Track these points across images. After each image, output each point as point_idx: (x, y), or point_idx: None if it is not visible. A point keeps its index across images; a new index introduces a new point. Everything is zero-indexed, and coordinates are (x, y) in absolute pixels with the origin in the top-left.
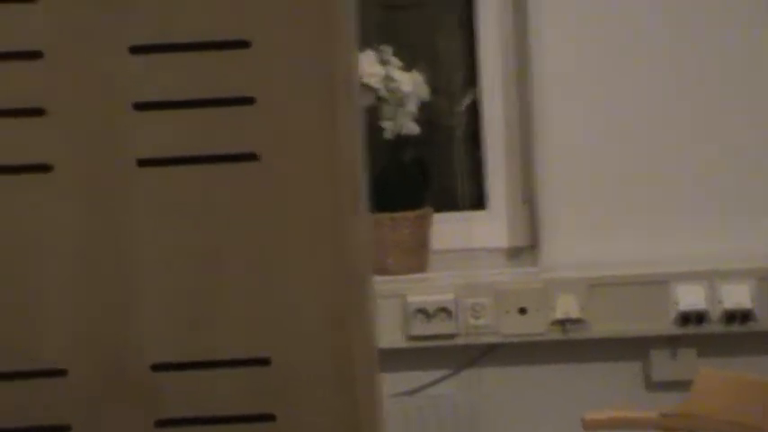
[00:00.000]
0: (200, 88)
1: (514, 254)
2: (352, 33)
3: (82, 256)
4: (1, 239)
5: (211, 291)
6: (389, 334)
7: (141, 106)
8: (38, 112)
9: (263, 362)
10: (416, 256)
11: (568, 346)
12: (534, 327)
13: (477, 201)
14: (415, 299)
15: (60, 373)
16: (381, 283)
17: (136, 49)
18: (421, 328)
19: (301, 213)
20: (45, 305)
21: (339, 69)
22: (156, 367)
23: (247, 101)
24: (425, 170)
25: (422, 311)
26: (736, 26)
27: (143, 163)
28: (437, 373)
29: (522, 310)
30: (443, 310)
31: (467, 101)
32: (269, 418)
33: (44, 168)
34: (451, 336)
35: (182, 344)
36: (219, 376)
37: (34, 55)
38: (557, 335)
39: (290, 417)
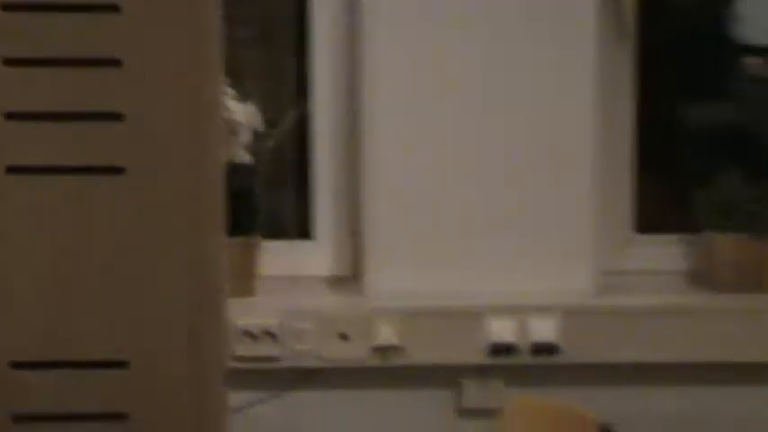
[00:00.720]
0: (71, 102)
1: (339, 283)
2: (218, 61)
3: None
4: None
5: (72, 295)
6: None
7: (13, 116)
8: None
9: (121, 365)
10: (244, 281)
11: (386, 373)
12: (354, 353)
13: (305, 230)
14: (242, 321)
15: None
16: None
17: (9, 62)
18: (246, 349)
19: (163, 227)
20: None
21: (207, 94)
22: (16, 365)
23: (116, 117)
24: (255, 199)
25: (247, 334)
26: (556, 75)
27: (12, 170)
28: (260, 395)
29: (344, 337)
30: (268, 333)
31: (290, 122)
32: (123, 417)
33: None
34: (275, 359)
35: (42, 344)
36: (78, 376)
37: None
38: (376, 361)
39: (143, 416)
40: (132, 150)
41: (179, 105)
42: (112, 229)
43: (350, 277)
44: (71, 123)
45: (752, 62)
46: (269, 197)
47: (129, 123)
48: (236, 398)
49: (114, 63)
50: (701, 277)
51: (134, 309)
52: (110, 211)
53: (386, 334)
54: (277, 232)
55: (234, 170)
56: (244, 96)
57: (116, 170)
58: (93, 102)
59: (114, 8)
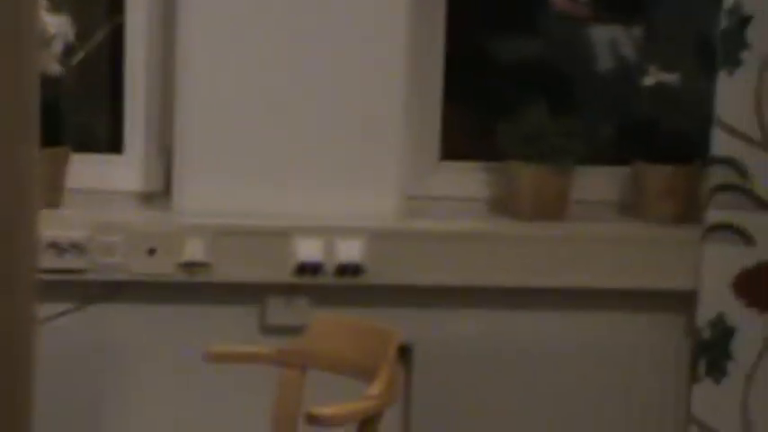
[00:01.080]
0: None
1: (149, 198)
2: None
3: None
4: None
5: None
6: None
7: None
8: None
9: None
10: (51, 193)
11: (193, 289)
12: (162, 267)
13: (116, 145)
14: (48, 233)
15: None
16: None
17: None
18: (53, 261)
19: None
20: None
21: (22, 5)
22: None
23: None
24: (65, 110)
25: (54, 246)
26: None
27: None
28: (65, 307)
29: (152, 251)
30: (75, 246)
31: (103, 32)
32: None
33: None
34: (82, 271)
35: None
36: None
37: None
38: (182, 276)
39: None
40: None
41: None
42: None
43: (160, 193)
44: None
45: (558, 1)
46: (80, 110)
47: None
48: (41, 309)
49: None
50: (502, 205)
51: None
52: None
53: (193, 250)
54: (88, 145)
55: (43, 81)
56: (56, 8)
57: None
58: None
59: None
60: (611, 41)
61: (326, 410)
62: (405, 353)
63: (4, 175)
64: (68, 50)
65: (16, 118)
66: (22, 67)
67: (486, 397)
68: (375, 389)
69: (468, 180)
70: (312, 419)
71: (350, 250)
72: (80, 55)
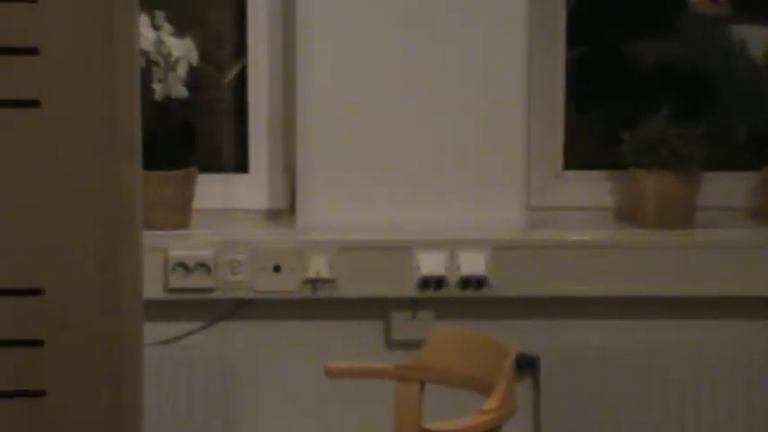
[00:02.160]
0: None
1: (273, 216)
2: None
3: None
4: None
5: None
6: (149, 285)
7: None
8: None
9: (36, 292)
10: (180, 213)
11: (318, 305)
12: (287, 284)
13: (241, 165)
14: (177, 253)
15: None
16: (145, 237)
17: None
18: (180, 281)
19: (78, 158)
20: None
21: (120, 27)
22: None
23: (32, 51)
24: (192, 132)
25: (182, 265)
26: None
27: None
28: (193, 325)
29: (277, 269)
30: (202, 265)
31: (235, 70)
32: (38, 343)
33: None
34: (209, 290)
35: None
36: None
37: None
38: (308, 293)
39: (57, 343)
40: (47, 84)
41: (92, 37)
42: (26, 160)
43: (284, 211)
44: None
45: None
46: (207, 131)
47: (43, 58)
48: (170, 328)
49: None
50: (627, 214)
51: (48, 238)
52: (25, 142)
53: (318, 266)
54: (214, 166)
55: (171, 104)
56: (182, 30)
57: (31, 103)
58: (8, 37)
59: None
60: (746, 42)
61: (444, 425)
62: (531, 364)
63: (107, 194)
64: (195, 72)
65: (118, 137)
66: (120, 88)
67: (612, 405)
68: (492, 403)
69: (592, 189)
70: None
71: (473, 263)
72: (210, 80)
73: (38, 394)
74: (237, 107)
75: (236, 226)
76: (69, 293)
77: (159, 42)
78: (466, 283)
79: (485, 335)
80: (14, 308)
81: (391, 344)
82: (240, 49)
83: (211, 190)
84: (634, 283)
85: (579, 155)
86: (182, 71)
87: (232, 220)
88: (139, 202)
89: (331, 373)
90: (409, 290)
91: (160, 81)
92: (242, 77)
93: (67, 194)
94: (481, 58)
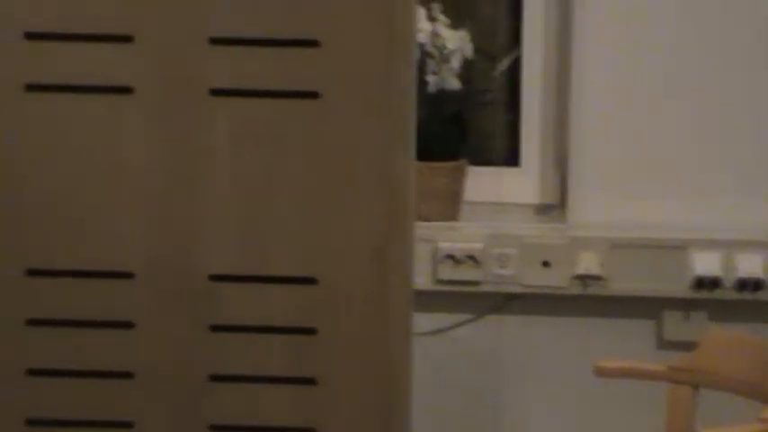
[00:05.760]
0: (270, 28)
1: (543, 210)
2: None
3: (156, 170)
4: (87, 151)
5: (268, 213)
6: (418, 276)
7: (217, 41)
8: (125, 38)
9: (311, 281)
10: (450, 206)
11: (587, 301)
12: (556, 280)
13: (512, 158)
14: (446, 245)
15: (128, 275)
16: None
17: None
18: (449, 273)
19: (355, 149)
20: (120, 213)
21: (399, 23)
22: (215, 278)
23: (313, 43)
24: (464, 124)
25: (450, 257)
26: None
27: (215, 92)
28: (460, 317)
29: (546, 264)
30: (471, 257)
31: (507, 62)
32: (312, 331)
33: (126, 90)
34: (477, 283)
35: (238, 258)
36: (270, 290)
37: None
38: (576, 289)
39: (330, 332)
40: (327, 76)
41: (372, 31)
42: (305, 150)
43: (555, 205)
44: (270, 49)
45: None
46: (478, 123)
47: (323, 50)
48: (438, 319)
49: None
50: None
51: (323, 228)
52: (304, 133)
53: (587, 263)
54: (485, 158)
55: (444, 96)
56: (457, 22)
57: (311, 94)
58: (291, 30)
59: None
60: None
61: None
62: None
63: (379, 188)
64: (469, 64)
65: (391, 131)
66: (397, 81)
67: None
68: None
69: None
70: None
71: (750, 264)
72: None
73: (310, 381)
74: (509, 100)
75: (505, 219)
76: (342, 283)
77: (435, 35)
78: (742, 284)
79: (763, 339)
80: (290, 296)
81: (662, 344)
82: (513, 41)
83: (481, 183)
84: None
85: None
86: (455, 63)
87: (501, 214)
88: (412, 193)
89: (601, 372)
90: (683, 290)
91: (434, 73)
92: (514, 69)
93: (343, 185)
94: (753, 57)
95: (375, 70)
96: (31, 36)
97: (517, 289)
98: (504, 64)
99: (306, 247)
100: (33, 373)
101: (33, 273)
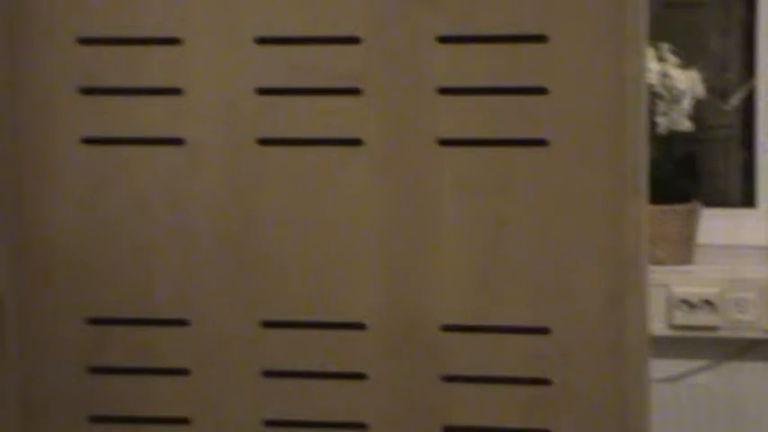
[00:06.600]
0: (498, 77)
1: None
2: (643, 32)
3: (386, 223)
4: (317, 203)
5: (498, 262)
6: (653, 321)
7: (445, 91)
8: (354, 91)
9: (543, 331)
10: (683, 249)
11: None
12: None
13: (747, 198)
14: (680, 289)
15: (361, 327)
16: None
17: (443, 39)
18: (684, 318)
19: (586, 195)
20: (351, 265)
21: (629, 65)
22: (446, 328)
23: (541, 91)
24: (696, 165)
25: (685, 302)
26: None
27: (444, 142)
28: (697, 363)
29: None
30: (707, 302)
31: (740, 96)
32: (545, 382)
33: (356, 142)
34: (714, 328)
35: (470, 308)
36: (502, 340)
37: (352, 40)
38: None
39: (565, 383)
40: (556, 124)
41: (601, 77)
42: (535, 197)
43: None
44: (498, 97)
45: None
46: (710, 163)
47: (552, 97)
48: (674, 366)
49: (540, 39)
50: None
51: (555, 275)
52: (532, 180)
53: None
54: (718, 199)
55: (675, 137)
56: (687, 58)
57: (539, 142)
58: (518, 76)
59: None
60: None
61: None
62: None
63: (611, 234)
64: (700, 105)
65: (622, 176)
66: (628, 126)
67: None
68: None
69: None
70: None
71: None
72: (717, 114)
73: None
74: (743, 136)
75: (741, 262)
76: (575, 331)
77: (664, 75)
78: None
79: None
80: (523, 346)
81: None
82: (745, 74)
83: (715, 225)
84: None
85: None
86: (686, 104)
87: (737, 257)
88: (645, 238)
89: None
90: None
91: (664, 114)
92: (748, 104)
93: (574, 230)
94: None
95: (605, 115)
96: (262, 92)
97: (757, 334)
98: (736, 98)
99: (538, 295)
100: (268, 423)
101: (268, 325)
